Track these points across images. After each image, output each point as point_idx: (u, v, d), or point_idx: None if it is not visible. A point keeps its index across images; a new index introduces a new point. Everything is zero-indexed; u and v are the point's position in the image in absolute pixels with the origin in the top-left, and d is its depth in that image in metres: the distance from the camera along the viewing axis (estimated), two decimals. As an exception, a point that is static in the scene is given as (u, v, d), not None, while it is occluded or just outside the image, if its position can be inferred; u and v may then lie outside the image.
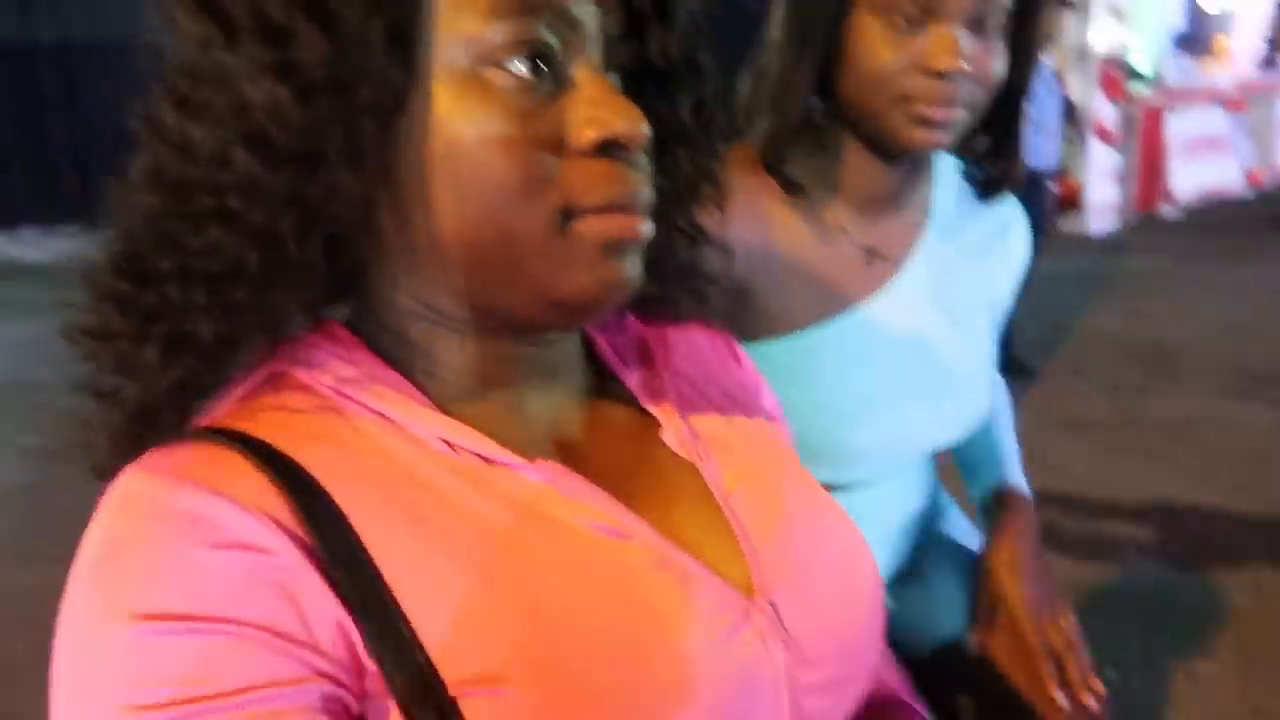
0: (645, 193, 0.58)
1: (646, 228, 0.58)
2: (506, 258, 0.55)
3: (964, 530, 1.27)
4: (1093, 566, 3.17)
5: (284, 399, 0.57)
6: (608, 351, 0.71)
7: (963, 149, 1.10)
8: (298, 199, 0.52)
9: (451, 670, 0.50)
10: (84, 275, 0.54)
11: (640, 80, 0.62)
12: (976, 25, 0.96)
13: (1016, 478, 1.20)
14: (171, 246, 0.53)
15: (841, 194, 1.07)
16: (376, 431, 0.57)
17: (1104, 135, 8.50)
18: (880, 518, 1.14)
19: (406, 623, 0.50)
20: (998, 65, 0.98)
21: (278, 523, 0.50)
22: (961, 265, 1.13)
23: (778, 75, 1.03)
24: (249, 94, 0.50)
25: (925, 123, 0.97)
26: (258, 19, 0.50)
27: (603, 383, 0.70)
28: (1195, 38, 11.83)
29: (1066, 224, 8.40)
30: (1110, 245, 7.99)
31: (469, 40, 0.53)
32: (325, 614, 0.49)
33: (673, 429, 0.68)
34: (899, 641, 0.91)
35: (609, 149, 0.56)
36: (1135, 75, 9.64)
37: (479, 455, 0.58)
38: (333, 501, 0.52)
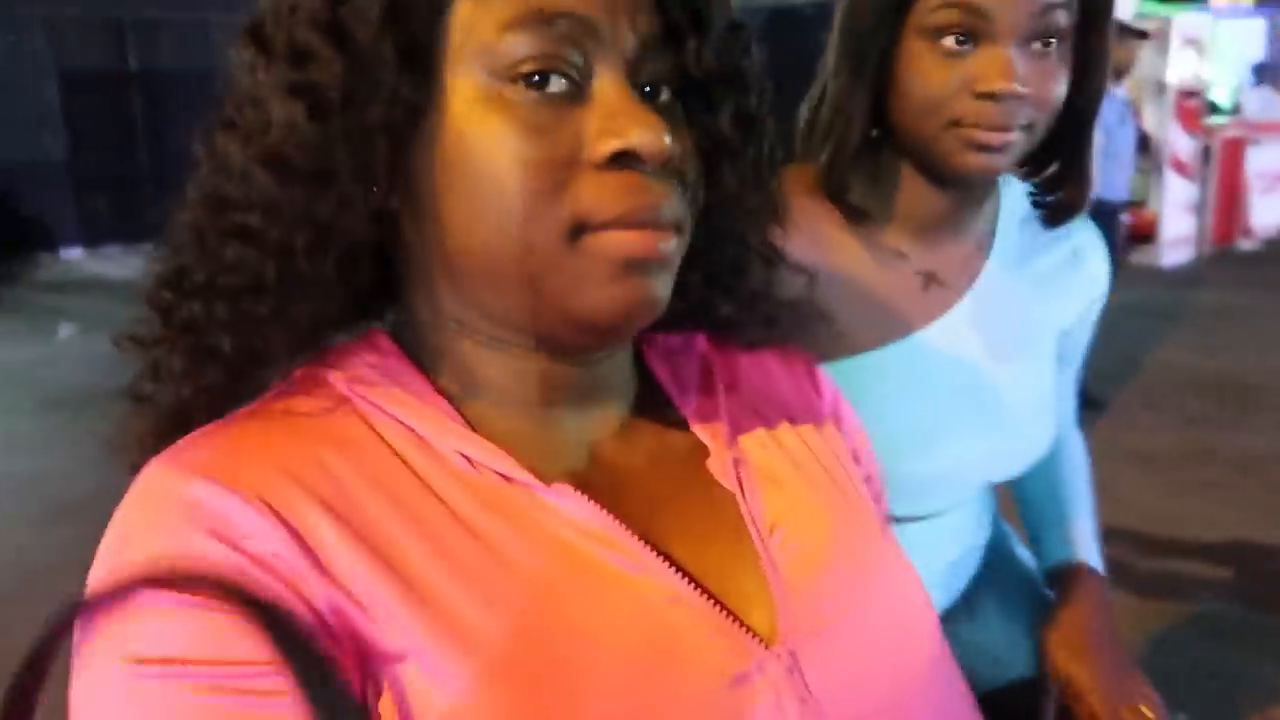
0: (669, 208, 0.55)
1: (669, 245, 0.55)
2: (520, 273, 0.54)
3: (1025, 564, 1.24)
4: (1161, 605, 3.08)
5: (302, 402, 0.58)
6: (665, 373, 0.69)
7: (1028, 174, 1.07)
8: (310, 216, 0.53)
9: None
10: (142, 288, 0.58)
11: (685, 93, 0.60)
12: (1033, 44, 0.93)
13: (1087, 551, 1.14)
14: (205, 261, 0.56)
15: (899, 219, 1.05)
16: (395, 439, 0.56)
17: (1180, 167, 8.33)
18: (937, 552, 1.11)
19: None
20: (1057, 86, 0.95)
21: (278, 514, 0.51)
22: (1026, 294, 1.10)
23: (833, 103, 1.01)
24: (273, 113, 0.53)
25: (978, 147, 0.94)
26: (288, 42, 0.53)
27: (655, 405, 0.67)
28: (1275, 69, 11.56)
29: (1139, 256, 8.23)
30: (1184, 278, 7.81)
31: (485, 53, 0.53)
32: (321, 597, 0.50)
33: (720, 458, 0.65)
34: None
35: (626, 161, 0.53)
36: (1213, 108, 9.45)
37: (497, 473, 0.57)
38: (321, 501, 0.52)
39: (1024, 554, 1.25)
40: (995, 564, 1.21)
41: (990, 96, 0.92)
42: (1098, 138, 3.83)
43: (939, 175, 1.00)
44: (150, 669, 0.46)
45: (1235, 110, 10.12)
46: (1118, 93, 5.28)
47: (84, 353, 5.77)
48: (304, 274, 0.54)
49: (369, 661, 0.50)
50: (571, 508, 0.56)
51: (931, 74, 0.94)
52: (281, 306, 0.55)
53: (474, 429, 0.58)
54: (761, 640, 0.56)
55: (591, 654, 0.52)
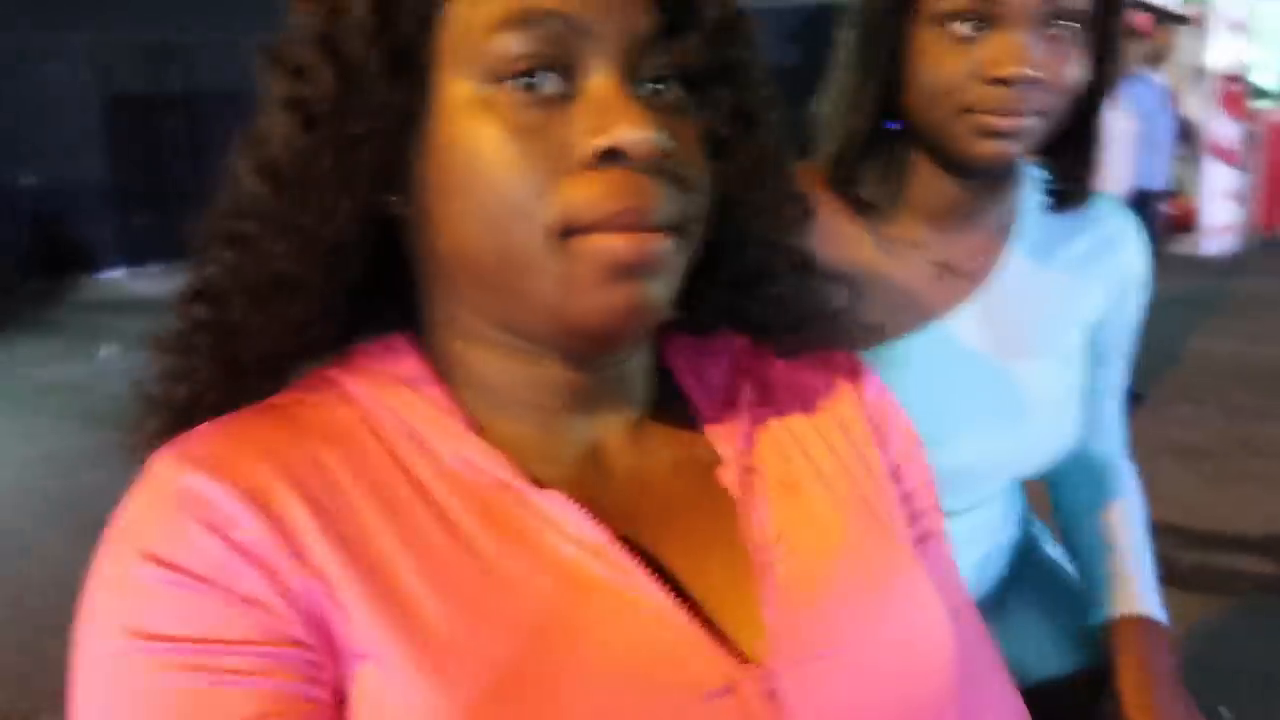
0: (663, 207, 0.53)
1: (662, 247, 0.53)
2: (509, 277, 0.54)
3: (1057, 561, 1.22)
4: (1205, 600, 3.03)
5: (309, 400, 0.59)
6: (690, 377, 0.68)
7: (1043, 159, 1.05)
8: (295, 223, 0.55)
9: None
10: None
11: (692, 90, 0.58)
12: (1046, 28, 0.91)
13: (1147, 602, 1.09)
14: (209, 267, 0.58)
15: (913, 210, 1.04)
16: (398, 442, 0.57)
17: (1223, 154, 8.19)
18: (962, 549, 1.09)
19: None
20: (1072, 70, 0.93)
21: (264, 506, 0.52)
22: (1052, 284, 1.08)
23: (844, 94, 1.01)
24: (273, 126, 0.55)
25: (990, 133, 0.92)
26: (288, 58, 0.55)
27: (672, 410, 0.66)
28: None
29: (1179, 246, 8.10)
30: (1226, 268, 7.67)
31: (475, 56, 0.53)
32: (299, 587, 0.51)
33: (731, 466, 0.63)
34: None
35: (614, 159, 0.52)
36: (1260, 92, 9.26)
37: (496, 478, 0.56)
38: (320, 499, 0.54)
39: (1055, 553, 1.23)
40: (1025, 563, 1.20)
41: (1003, 82, 0.90)
42: (1136, 125, 3.77)
43: (953, 164, 0.99)
44: (141, 643, 0.49)
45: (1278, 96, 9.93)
46: (1156, 79, 5.21)
47: (125, 371, 5.88)
48: (291, 280, 0.56)
49: (340, 656, 0.51)
50: (563, 515, 0.56)
51: (943, 60, 0.93)
52: (277, 311, 0.57)
53: (482, 433, 0.58)
54: (742, 660, 0.55)
55: (570, 666, 0.51)
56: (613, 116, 0.52)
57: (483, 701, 0.49)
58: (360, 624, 0.51)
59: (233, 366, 0.59)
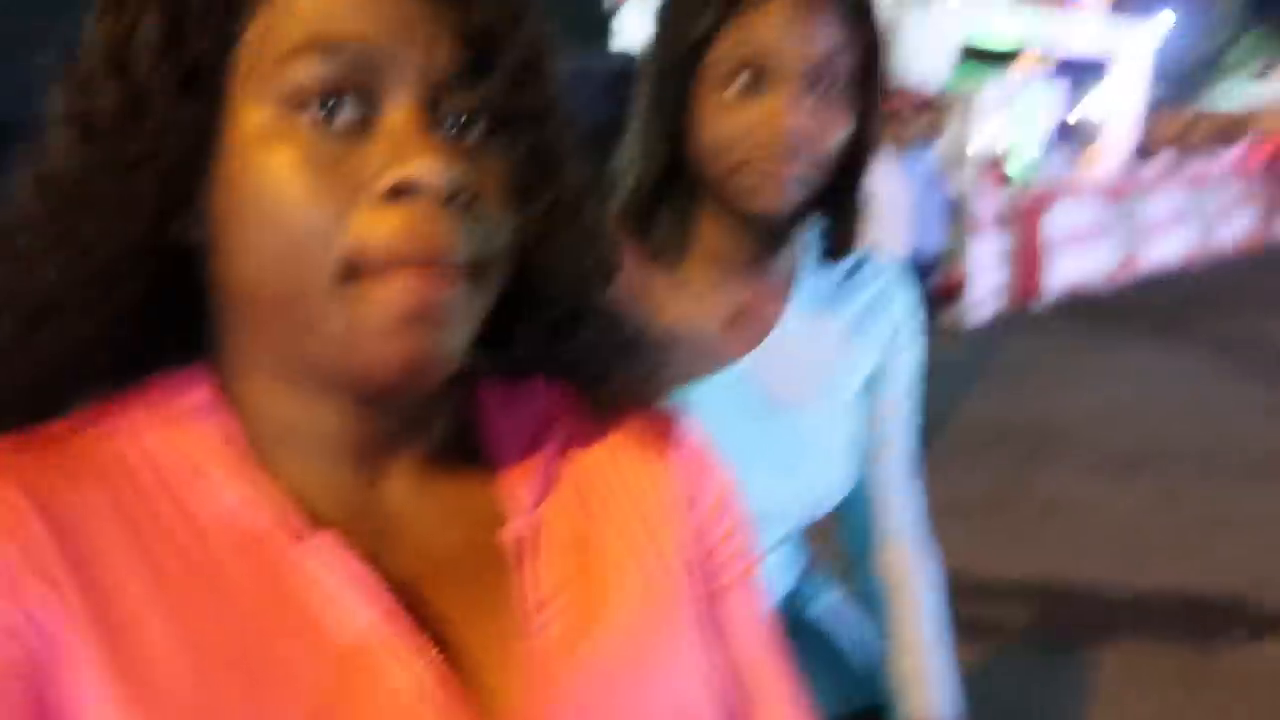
0: (455, 246, 0.51)
1: (453, 292, 0.51)
2: (295, 316, 0.51)
3: (836, 616, 1.25)
4: (969, 648, 3.21)
5: (84, 429, 0.55)
6: (499, 423, 0.66)
7: (814, 214, 1.12)
8: (69, 242, 0.52)
9: None
10: None
11: (502, 128, 0.57)
12: (815, 91, 0.99)
13: (937, 702, 1.14)
14: None
15: (702, 260, 1.10)
16: (171, 477, 0.55)
17: (986, 226, 8.86)
18: None
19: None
20: (838, 130, 1.02)
21: (11, 530, 0.50)
22: (830, 337, 1.14)
23: (638, 145, 1.07)
24: (56, 140, 0.52)
25: (765, 187, 1.00)
26: (78, 70, 0.52)
27: (468, 458, 0.64)
28: (1072, 135, 12.51)
29: (950, 312, 8.68)
30: (992, 333, 8.27)
31: (272, 81, 0.50)
32: (37, 611, 0.49)
33: (516, 522, 0.62)
34: None
35: (409, 193, 0.50)
36: (1016, 170, 10.14)
37: (263, 521, 0.54)
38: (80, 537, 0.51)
39: (833, 603, 1.26)
40: (801, 619, 1.22)
41: (774, 138, 0.98)
42: (910, 198, 4.03)
43: (734, 214, 1.05)
44: None
45: (1036, 173, 10.90)
46: (928, 156, 5.60)
47: None
48: (63, 302, 0.52)
49: (52, 687, 0.48)
50: (332, 570, 0.54)
51: (721, 117, 1.01)
52: (49, 334, 0.53)
53: (266, 471, 0.56)
54: None
55: (290, 708, 0.50)
56: (409, 150, 0.50)
57: None
58: (83, 667, 0.48)
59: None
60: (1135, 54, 11.46)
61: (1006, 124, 10.25)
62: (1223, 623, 3.40)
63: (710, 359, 1.09)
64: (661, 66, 1.04)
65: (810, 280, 1.16)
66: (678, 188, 1.07)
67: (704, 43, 1.00)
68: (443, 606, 0.57)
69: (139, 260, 0.53)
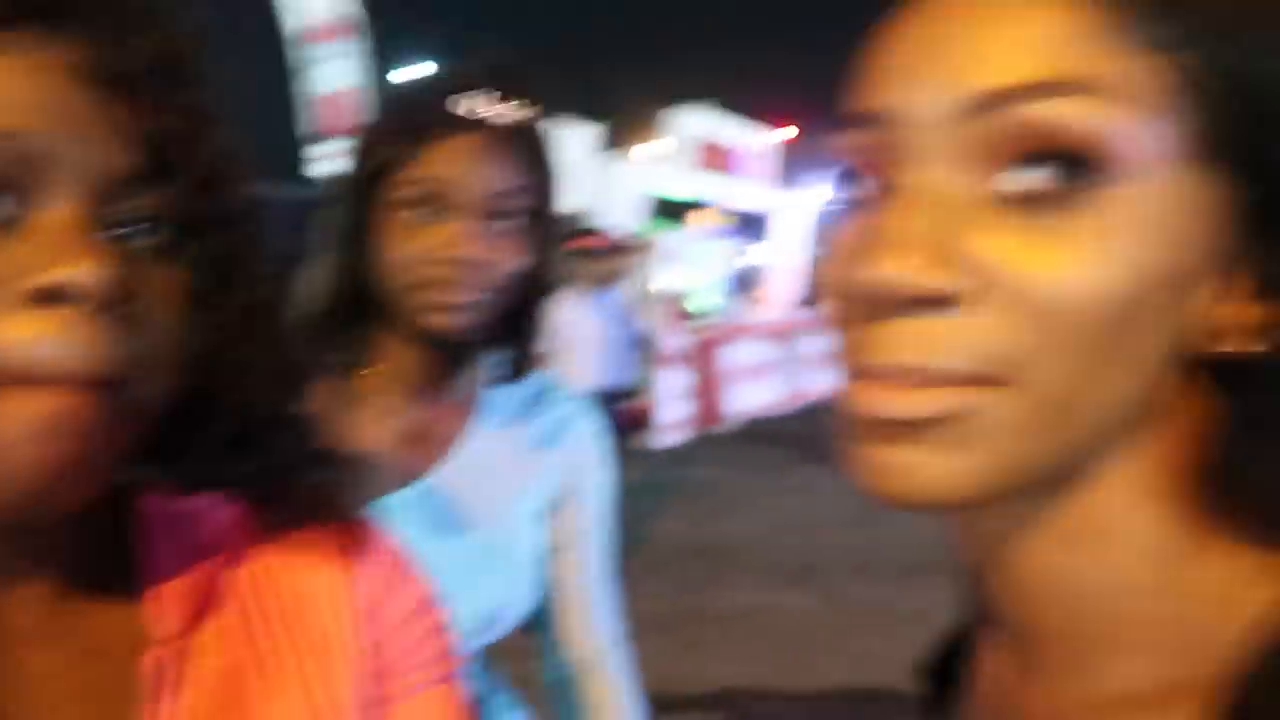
0: (99, 353, 0.46)
1: (93, 406, 0.46)
2: None
3: None
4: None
5: None
6: (159, 543, 0.61)
7: (493, 338, 1.16)
8: None
9: None
10: None
11: (176, 234, 0.53)
12: (490, 222, 1.06)
13: None
14: None
15: (385, 379, 1.12)
16: None
17: (670, 361, 9.37)
18: None
19: None
20: (513, 260, 1.08)
21: None
22: (514, 457, 1.17)
23: (323, 265, 1.09)
24: None
25: (441, 308, 1.04)
26: None
27: (112, 582, 0.58)
28: (745, 281, 13.57)
29: (640, 440, 9.02)
30: (678, 458, 8.65)
31: None
32: None
33: (159, 650, 0.56)
34: None
35: (54, 299, 0.45)
36: (696, 310, 10.83)
37: None
38: None
39: None
40: None
41: (450, 262, 1.04)
42: (600, 332, 4.20)
43: (413, 334, 1.09)
44: None
45: (714, 313, 11.70)
46: (616, 294, 5.91)
47: None
48: None
49: None
50: None
51: (400, 241, 1.05)
52: None
53: None
54: None
55: None
56: (59, 252, 0.45)
57: None
58: None
59: None
60: (796, 214, 12.73)
61: (688, 269, 10.99)
62: (879, 714, 3.68)
63: (392, 477, 1.09)
64: (350, 190, 1.08)
65: (495, 402, 1.19)
66: (360, 308, 1.10)
67: (391, 169, 1.06)
68: None
69: None
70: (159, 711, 0.54)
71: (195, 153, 0.53)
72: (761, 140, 12.62)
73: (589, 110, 8.96)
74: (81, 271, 0.45)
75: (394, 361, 1.12)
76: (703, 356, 9.90)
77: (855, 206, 0.44)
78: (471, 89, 1.08)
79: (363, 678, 0.64)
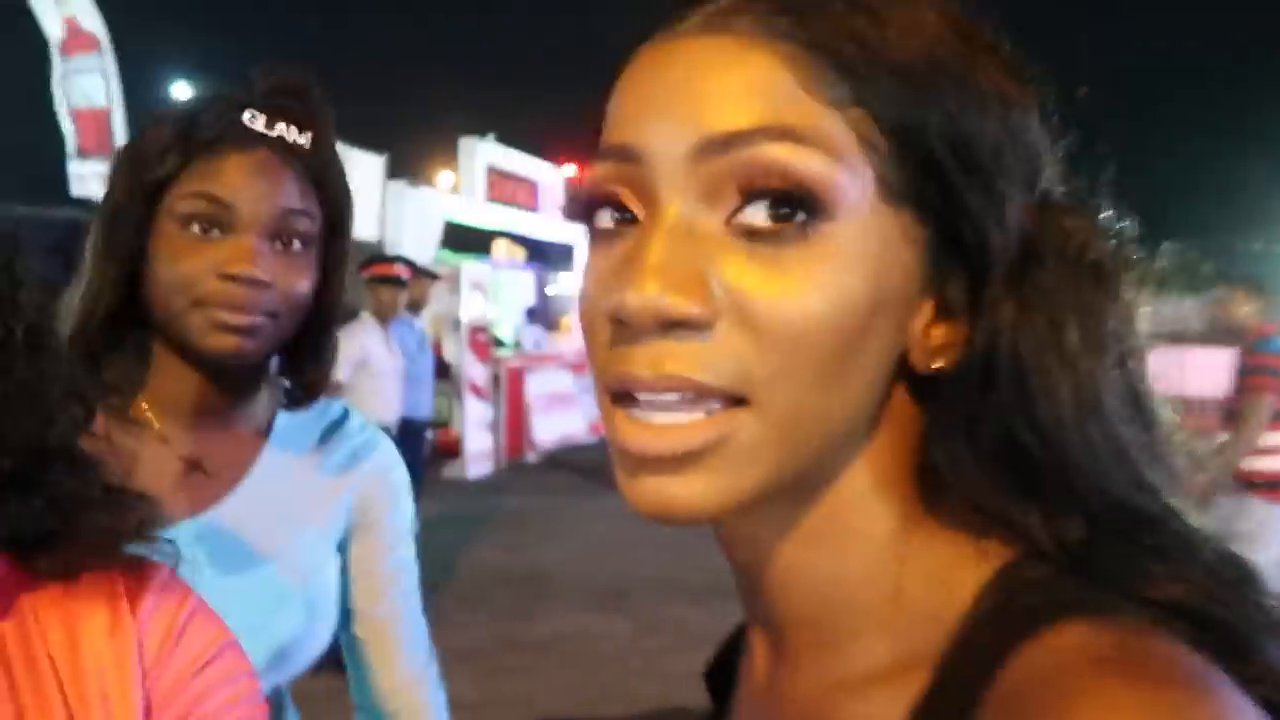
0: None
1: None
2: None
3: None
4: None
5: None
6: None
7: (281, 362, 1.10)
8: None
9: None
10: None
11: None
12: (276, 240, 0.99)
13: None
14: None
15: (160, 404, 1.03)
16: None
17: (476, 391, 9.25)
18: None
19: None
20: (300, 281, 1.01)
21: None
22: (306, 488, 1.10)
23: (89, 280, 0.99)
24: None
25: (223, 328, 0.96)
26: None
27: None
28: (545, 313, 13.61)
29: (449, 470, 8.85)
30: (487, 488, 8.56)
31: None
32: None
33: None
34: None
35: None
36: (499, 341, 10.76)
37: None
38: None
39: None
40: None
41: (233, 278, 0.96)
42: (401, 362, 4.10)
43: (191, 357, 1.00)
44: None
45: (516, 344, 11.66)
46: (417, 324, 5.75)
47: None
48: None
49: None
50: None
51: (180, 256, 0.97)
52: None
53: None
54: None
55: None
56: None
57: None
58: None
59: None
60: (593, 243, 12.87)
61: (492, 299, 10.90)
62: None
63: (175, 509, 0.99)
64: (118, 206, 0.99)
65: (287, 430, 1.12)
66: (131, 329, 1.01)
67: (164, 184, 0.98)
68: None
69: None
70: None
71: None
72: (553, 175, 12.72)
73: (370, 141, 8.78)
74: None
75: (169, 385, 1.03)
76: (509, 387, 9.84)
77: (610, 236, 0.46)
78: (259, 106, 1.01)
79: None
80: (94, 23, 8.01)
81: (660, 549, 5.76)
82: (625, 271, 0.43)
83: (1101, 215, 0.48)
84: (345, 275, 1.09)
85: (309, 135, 1.03)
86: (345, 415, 1.18)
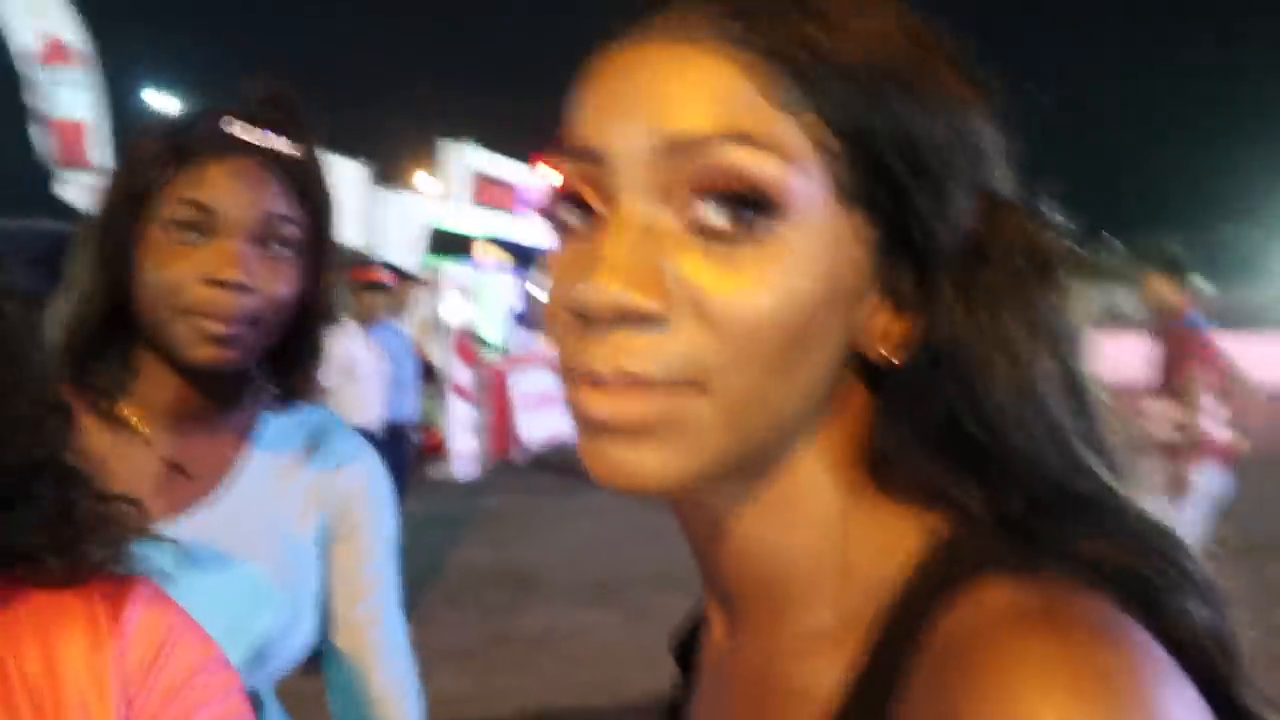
0: None
1: None
2: None
3: None
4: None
5: None
6: None
7: (268, 367, 1.10)
8: None
9: None
10: None
11: None
12: (260, 244, 1.00)
13: None
14: None
15: (146, 408, 1.04)
16: None
17: (462, 393, 9.23)
18: None
19: None
20: (284, 286, 1.02)
21: None
22: (292, 491, 1.10)
23: (79, 287, 1.01)
24: None
25: (210, 338, 0.97)
26: None
27: None
28: (530, 315, 13.59)
29: (434, 471, 8.83)
30: (474, 488, 8.54)
31: None
32: None
33: None
34: None
35: None
36: (484, 343, 10.73)
37: None
38: None
39: None
40: None
41: (219, 284, 0.96)
42: (385, 366, 4.09)
43: (177, 362, 1.01)
44: None
45: (502, 346, 11.63)
46: (401, 328, 5.74)
47: None
48: None
49: None
50: None
51: (166, 262, 0.98)
52: None
53: None
54: None
55: None
56: None
57: None
58: None
59: None
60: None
61: (474, 301, 10.87)
62: None
63: (157, 511, 0.99)
64: (108, 213, 1.01)
65: (270, 433, 1.12)
66: (119, 334, 1.02)
67: (158, 189, 0.99)
68: None
69: None
70: None
71: None
72: (534, 178, 12.70)
73: (354, 148, 8.75)
74: None
75: (154, 389, 1.04)
76: (494, 388, 9.82)
77: (573, 232, 0.48)
78: (244, 114, 1.03)
79: None
80: (74, 36, 7.95)
81: (648, 543, 5.76)
82: (586, 267, 0.45)
83: (1046, 212, 0.50)
84: (332, 280, 1.10)
85: (293, 144, 1.04)
86: (330, 422, 1.18)
